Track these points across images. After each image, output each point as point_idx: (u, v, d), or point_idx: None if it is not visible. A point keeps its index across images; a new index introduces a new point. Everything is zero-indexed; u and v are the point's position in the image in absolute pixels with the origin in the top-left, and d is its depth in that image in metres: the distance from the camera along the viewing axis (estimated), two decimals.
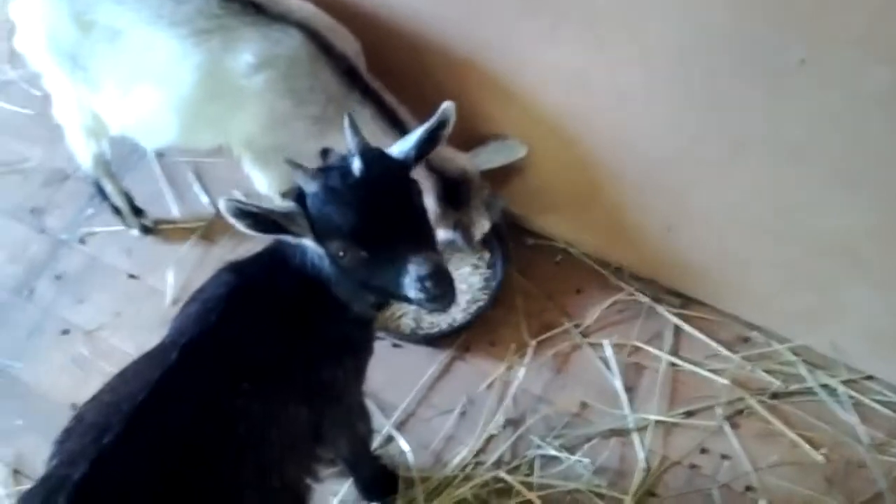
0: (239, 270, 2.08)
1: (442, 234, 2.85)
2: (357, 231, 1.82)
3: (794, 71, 2.16)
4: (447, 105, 1.98)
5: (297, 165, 1.84)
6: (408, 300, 1.91)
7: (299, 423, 2.04)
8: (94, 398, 1.95)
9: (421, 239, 1.87)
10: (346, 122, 1.93)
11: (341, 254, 1.85)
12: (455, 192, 2.80)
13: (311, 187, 1.84)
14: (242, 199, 1.81)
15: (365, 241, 1.83)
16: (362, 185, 1.82)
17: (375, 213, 1.82)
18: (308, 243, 1.91)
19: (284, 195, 2.97)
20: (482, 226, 2.90)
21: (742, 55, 2.22)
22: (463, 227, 2.84)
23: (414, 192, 1.91)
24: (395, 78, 2.77)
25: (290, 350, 2.02)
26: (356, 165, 1.84)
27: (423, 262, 1.83)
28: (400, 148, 1.97)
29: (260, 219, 1.82)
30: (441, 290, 1.85)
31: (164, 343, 2.01)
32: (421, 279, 1.83)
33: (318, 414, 2.12)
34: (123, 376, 1.98)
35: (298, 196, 1.88)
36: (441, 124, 1.99)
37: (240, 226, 1.81)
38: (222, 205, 1.79)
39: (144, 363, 1.98)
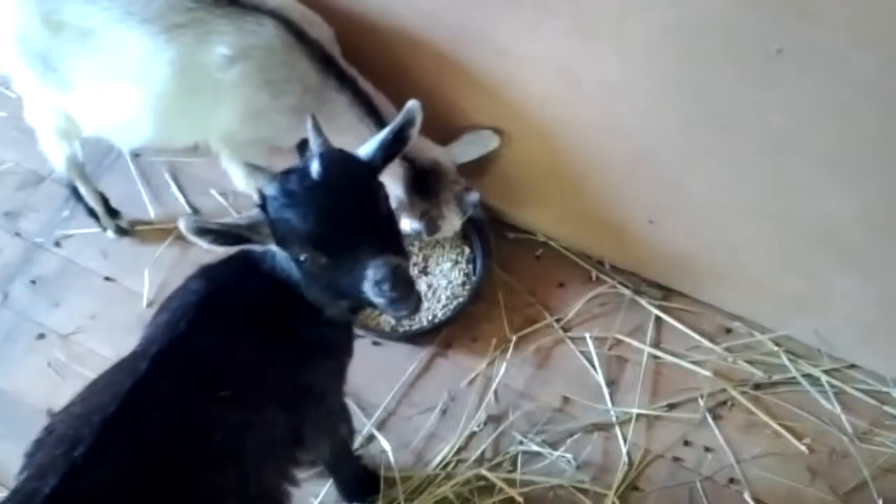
0: (209, 276, 2.04)
1: (408, 223, 2.83)
2: (315, 235, 1.79)
3: (774, 60, 2.13)
4: (412, 104, 1.95)
5: (255, 168, 1.81)
6: (373, 305, 1.89)
7: (278, 428, 2.01)
8: (65, 409, 1.92)
9: (382, 242, 1.83)
10: (309, 123, 1.91)
11: (302, 258, 1.82)
12: (424, 181, 2.77)
13: (269, 190, 1.80)
14: (201, 216, 1.78)
15: (323, 246, 1.80)
16: (321, 188, 1.79)
17: (334, 216, 1.79)
18: (275, 248, 1.88)
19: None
20: (452, 221, 2.87)
21: (724, 45, 2.20)
22: (429, 219, 2.82)
23: (377, 193, 1.87)
24: (372, 70, 2.74)
25: (265, 355, 1.99)
26: (314, 168, 1.80)
27: (381, 265, 1.79)
28: (366, 149, 1.93)
29: (222, 232, 1.78)
30: (399, 293, 1.81)
31: (135, 353, 1.98)
32: (378, 283, 1.79)
33: (298, 417, 2.09)
34: (94, 387, 1.95)
35: (262, 200, 1.85)
36: (407, 123, 1.95)
37: (202, 243, 1.77)
38: (182, 224, 1.75)
39: (115, 374, 1.94)
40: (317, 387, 2.14)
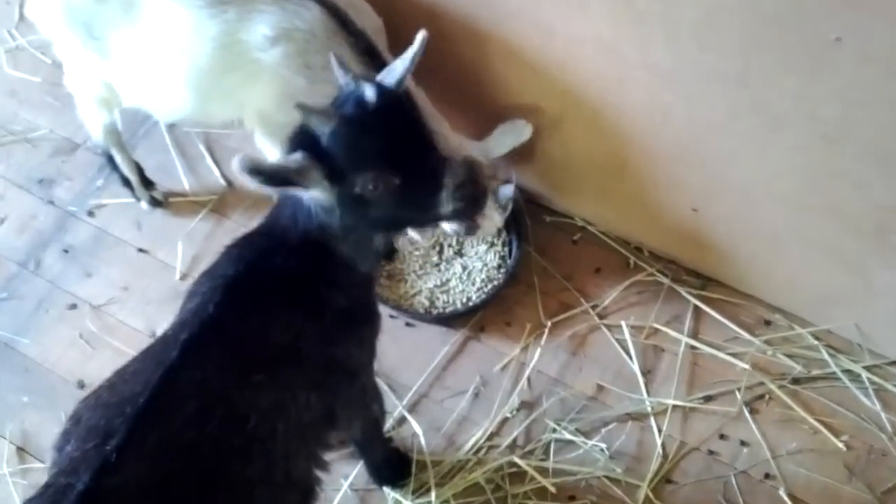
0: (236, 257, 1.98)
1: (447, 225, 2.77)
2: (389, 156, 1.79)
3: (831, 49, 2.07)
4: (424, 35, 1.99)
5: (310, 110, 1.77)
6: (439, 217, 1.94)
7: (311, 411, 1.97)
8: (92, 396, 1.87)
9: (439, 151, 1.87)
10: (334, 61, 1.91)
11: (371, 187, 1.79)
12: None
13: (326, 127, 1.77)
14: (255, 156, 1.74)
15: (398, 164, 1.80)
16: (382, 112, 1.79)
17: (400, 136, 1.81)
18: (315, 195, 1.83)
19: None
20: (492, 218, 2.78)
21: (778, 32, 2.14)
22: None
23: (418, 110, 1.89)
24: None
25: (298, 331, 1.94)
26: (370, 93, 1.79)
27: (456, 170, 1.85)
28: (390, 79, 1.92)
29: (273, 174, 1.75)
30: (480, 190, 1.89)
31: (165, 338, 1.93)
32: (459, 186, 1.85)
33: (331, 396, 2.05)
34: (123, 374, 1.90)
35: (302, 144, 1.80)
36: (420, 53, 1.98)
37: (253, 182, 1.73)
38: (236, 162, 1.72)
39: (144, 361, 1.89)
40: (349, 361, 2.09)
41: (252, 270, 1.94)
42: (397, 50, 2.60)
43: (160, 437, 1.71)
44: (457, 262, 3.07)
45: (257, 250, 1.98)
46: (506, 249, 3.08)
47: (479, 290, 3.01)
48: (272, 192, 1.84)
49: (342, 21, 2.49)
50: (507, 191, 2.74)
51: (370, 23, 2.58)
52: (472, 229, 2.74)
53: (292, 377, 1.93)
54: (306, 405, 1.95)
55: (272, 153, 2.87)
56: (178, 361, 1.78)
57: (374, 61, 2.52)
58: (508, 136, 2.84)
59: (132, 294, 3.14)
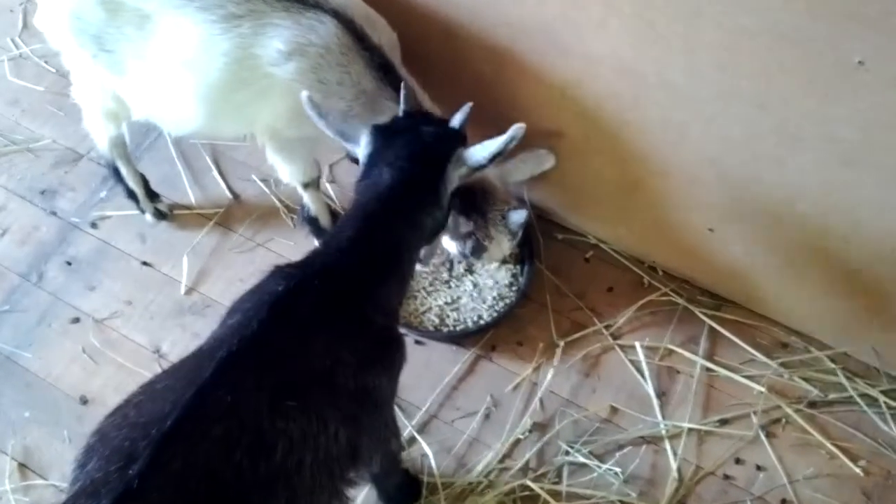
0: (285, 276, 1.93)
1: (454, 245, 2.73)
2: None
3: (853, 72, 2.04)
4: (521, 127, 2.16)
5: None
6: None
7: (339, 444, 1.90)
8: (119, 411, 1.80)
9: None
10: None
11: None
12: (472, 201, 2.66)
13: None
14: None
15: None
16: None
17: None
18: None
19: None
20: (500, 242, 2.74)
21: (800, 54, 2.10)
22: (475, 240, 2.71)
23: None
24: (430, 65, 2.66)
25: (336, 357, 1.89)
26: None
27: None
28: (476, 156, 2.20)
29: None
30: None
31: (200, 353, 1.87)
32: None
33: (358, 428, 1.98)
34: (151, 391, 1.82)
35: None
36: (513, 141, 2.17)
37: None
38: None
39: (176, 377, 1.82)
40: (378, 391, 2.03)
41: (300, 291, 1.89)
42: (412, 65, 2.59)
43: (185, 463, 1.64)
44: (467, 279, 3.02)
45: (309, 273, 1.94)
46: (517, 267, 3.03)
47: (490, 308, 2.96)
48: None
49: (358, 36, 2.44)
50: (519, 216, 2.68)
51: (385, 37, 2.54)
52: (477, 251, 2.70)
53: (324, 405, 1.86)
54: (335, 437, 1.89)
55: (283, 169, 2.84)
56: (209, 381, 1.71)
57: (389, 76, 2.49)
58: (529, 164, 2.82)
59: (136, 308, 3.08)
